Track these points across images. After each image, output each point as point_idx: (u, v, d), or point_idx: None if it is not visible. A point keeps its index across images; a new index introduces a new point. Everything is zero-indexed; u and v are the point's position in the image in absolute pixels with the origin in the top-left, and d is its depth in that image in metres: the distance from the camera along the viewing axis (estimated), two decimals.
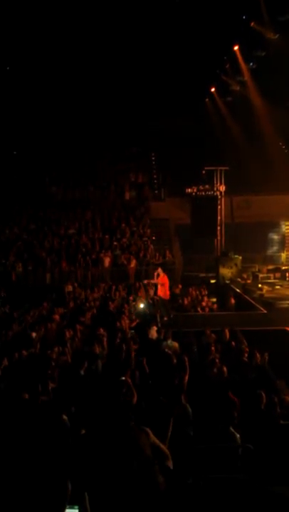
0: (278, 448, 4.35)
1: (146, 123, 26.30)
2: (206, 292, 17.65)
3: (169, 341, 9.59)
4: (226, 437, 4.99)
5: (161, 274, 14.89)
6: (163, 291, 14.66)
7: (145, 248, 21.76)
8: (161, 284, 14.66)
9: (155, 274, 15.45)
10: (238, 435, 5.07)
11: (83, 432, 4.65)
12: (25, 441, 4.42)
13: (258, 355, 8.60)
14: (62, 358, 8.63)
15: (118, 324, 11.23)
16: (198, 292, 17.63)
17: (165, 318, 13.74)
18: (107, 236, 22.54)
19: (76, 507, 2.53)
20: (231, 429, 5.12)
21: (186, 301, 16.39)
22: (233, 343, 9.49)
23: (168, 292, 15.01)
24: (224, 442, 4.87)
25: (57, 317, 12.33)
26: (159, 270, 15.18)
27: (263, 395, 6.00)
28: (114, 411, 5.38)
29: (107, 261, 20.73)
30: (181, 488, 2.89)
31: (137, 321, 12.41)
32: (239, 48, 20.56)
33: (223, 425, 5.10)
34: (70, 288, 17.54)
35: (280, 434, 5.01)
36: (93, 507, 2.79)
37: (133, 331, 10.80)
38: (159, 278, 14.78)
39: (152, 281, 15.70)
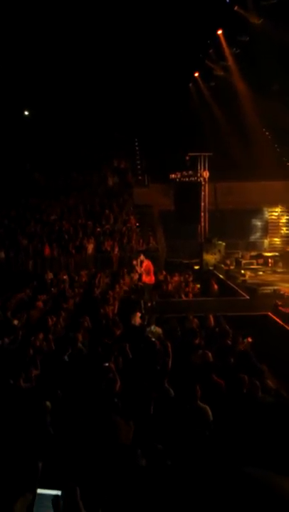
0: (257, 429, 4.42)
1: (129, 108, 26.03)
2: (191, 278, 17.70)
3: (153, 327, 9.61)
4: (195, 412, 5.11)
5: (145, 260, 14.86)
6: (148, 277, 14.66)
7: (129, 234, 21.68)
8: (146, 271, 14.65)
9: (138, 260, 15.43)
10: (208, 410, 5.20)
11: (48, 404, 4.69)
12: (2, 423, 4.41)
13: (240, 340, 8.69)
14: (45, 344, 8.59)
15: (102, 311, 11.22)
16: (182, 278, 17.67)
17: (149, 304, 13.76)
18: (90, 222, 22.38)
19: (59, 491, 2.53)
20: (199, 403, 5.26)
21: (170, 287, 16.43)
22: (217, 329, 9.56)
23: (153, 278, 15.02)
24: (194, 417, 4.98)
25: (40, 304, 12.25)
26: (142, 257, 15.15)
27: (246, 378, 6.06)
28: (98, 397, 5.39)
29: (90, 247, 20.61)
30: (161, 470, 2.91)
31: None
32: (223, 33, 20.39)
33: (191, 401, 5.23)
34: (51, 275, 17.40)
35: (260, 415, 5.08)
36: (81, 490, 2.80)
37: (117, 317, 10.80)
38: (143, 265, 14.76)
39: (144, 275, 15.33)
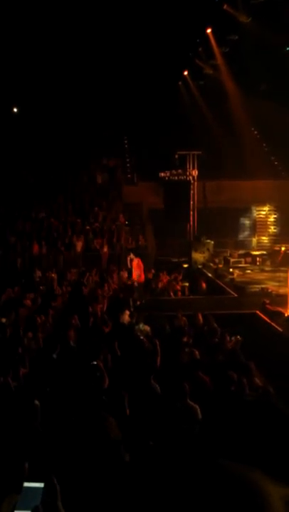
0: (243, 425, 4.47)
1: (118, 106, 25.98)
2: (181, 277, 17.76)
3: (141, 325, 9.63)
4: (185, 410, 5.15)
5: (134, 259, 14.87)
6: (137, 276, 14.67)
7: (118, 233, 21.66)
8: (136, 270, 14.66)
9: (128, 259, 15.43)
10: (198, 409, 5.24)
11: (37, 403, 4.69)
12: None
13: (228, 338, 8.75)
14: (34, 343, 8.57)
15: (90, 309, 11.20)
16: (171, 277, 17.70)
17: (138, 303, 13.77)
18: (79, 220, 22.31)
19: (41, 484, 2.55)
20: (189, 401, 5.29)
21: (159, 285, 16.45)
22: (206, 327, 9.61)
23: (142, 276, 15.04)
24: (183, 415, 5.02)
25: (28, 302, 12.19)
26: (132, 255, 15.15)
27: (234, 376, 6.11)
28: (86, 394, 5.39)
29: (79, 245, 20.55)
30: (144, 464, 2.94)
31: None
32: (212, 31, 20.45)
33: (181, 399, 5.27)
34: (40, 273, 17.32)
35: (247, 412, 5.14)
36: (62, 483, 2.81)
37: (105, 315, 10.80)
38: (134, 263, 14.77)
39: (134, 273, 15.31)
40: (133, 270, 14.86)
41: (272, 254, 21.16)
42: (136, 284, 14.84)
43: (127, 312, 11.08)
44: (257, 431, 4.00)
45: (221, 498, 0.97)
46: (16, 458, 1.62)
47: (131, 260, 14.92)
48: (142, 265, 14.92)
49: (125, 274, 17.29)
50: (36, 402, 5.24)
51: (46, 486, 1.69)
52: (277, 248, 21.01)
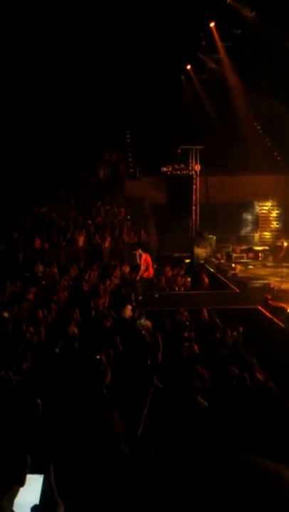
0: (246, 419, 4.47)
1: (121, 101, 25.88)
2: (183, 272, 17.77)
3: (142, 320, 9.64)
4: (193, 407, 5.13)
5: (143, 254, 14.87)
6: (146, 272, 14.67)
7: (120, 228, 21.65)
8: (145, 265, 14.64)
9: (137, 254, 15.42)
10: (206, 404, 5.21)
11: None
12: None
13: (229, 333, 8.76)
14: (36, 337, 8.59)
15: (92, 304, 11.22)
16: (175, 272, 17.72)
17: (140, 298, 13.75)
18: (81, 215, 22.30)
19: (42, 475, 2.56)
20: (199, 398, 5.26)
21: (162, 281, 16.47)
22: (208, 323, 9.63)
23: (151, 271, 15.02)
24: (191, 412, 5.00)
25: (30, 296, 12.22)
26: (140, 251, 15.14)
27: (236, 370, 6.12)
28: (88, 389, 5.40)
29: (81, 240, 20.55)
30: (144, 459, 2.94)
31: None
32: (215, 25, 20.33)
33: (190, 395, 5.23)
34: (42, 268, 17.34)
35: (250, 402, 5.15)
36: (59, 477, 2.82)
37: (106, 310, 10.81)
38: (142, 259, 14.77)
39: (142, 268, 15.30)
40: (141, 265, 14.85)
41: (274, 250, 21.14)
42: (143, 279, 14.81)
43: (129, 307, 11.09)
44: (260, 420, 4.00)
45: (254, 498, 0.94)
46: (18, 450, 1.63)
47: (140, 255, 14.91)
48: (150, 261, 14.90)
49: (127, 269, 17.29)
50: (38, 400, 5.25)
51: (45, 479, 1.70)
52: (279, 243, 20.98)
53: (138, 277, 15.17)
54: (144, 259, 14.76)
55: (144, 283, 14.77)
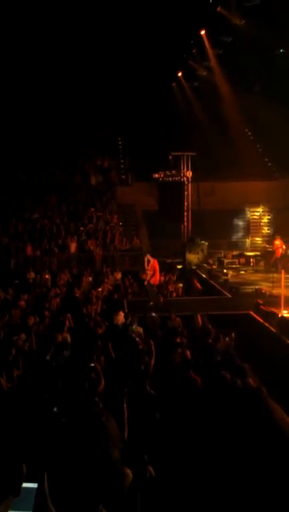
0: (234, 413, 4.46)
1: (113, 107, 25.97)
2: (174, 278, 17.78)
3: (134, 326, 9.62)
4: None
5: (151, 260, 14.87)
6: (153, 278, 14.66)
7: (112, 234, 21.63)
8: (152, 271, 14.63)
9: (145, 260, 15.42)
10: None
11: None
12: None
13: (222, 339, 8.76)
14: (27, 344, 8.53)
15: (85, 310, 11.19)
16: (167, 278, 17.71)
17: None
18: (72, 221, 22.26)
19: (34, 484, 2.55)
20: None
21: (154, 287, 16.45)
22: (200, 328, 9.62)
23: (158, 278, 15.02)
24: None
25: (22, 303, 12.16)
26: (148, 256, 15.14)
27: (228, 376, 6.11)
28: (80, 396, 5.37)
29: (73, 246, 20.50)
30: (137, 464, 2.93)
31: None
32: (206, 33, 20.52)
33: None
34: (33, 274, 17.27)
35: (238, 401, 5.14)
36: (52, 485, 2.80)
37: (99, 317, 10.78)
38: (150, 265, 14.76)
39: (148, 273, 15.28)
40: (148, 271, 14.85)
41: (265, 255, 21.20)
42: (150, 286, 14.82)
43: (122, 313, 11.07)
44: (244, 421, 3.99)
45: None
46: (14, 460, 1.60)
47: (148, 261, 14.91)
48: (157, 267, 14.89)
49: (119, 275, 17.27)
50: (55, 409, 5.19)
51: (38, 488, 1.68)
52: (270, 249, 21.05)
53: (145, 282, 15.19)
54: (152, 264, 14.75)
55: (151, 288, 14.79)
